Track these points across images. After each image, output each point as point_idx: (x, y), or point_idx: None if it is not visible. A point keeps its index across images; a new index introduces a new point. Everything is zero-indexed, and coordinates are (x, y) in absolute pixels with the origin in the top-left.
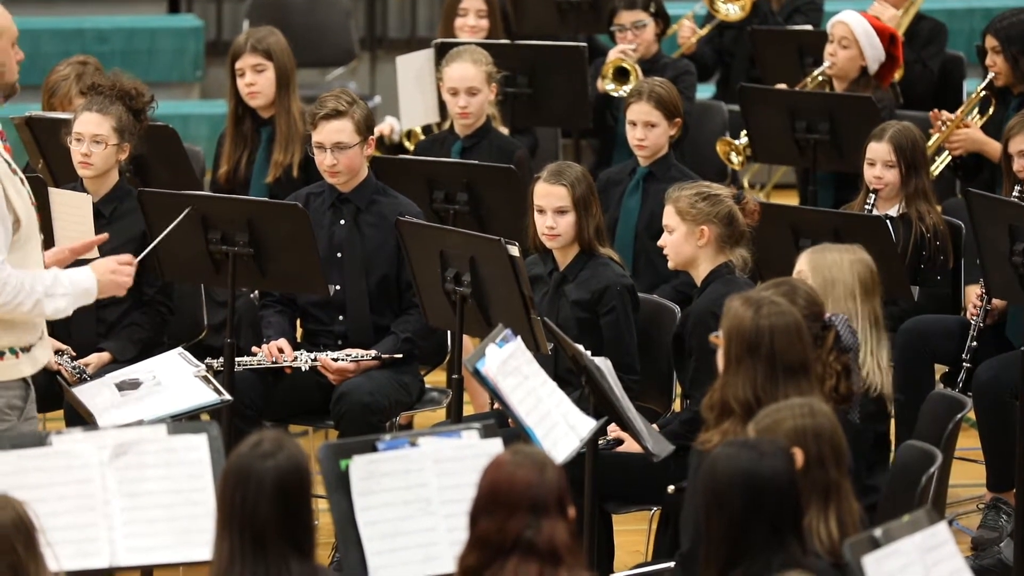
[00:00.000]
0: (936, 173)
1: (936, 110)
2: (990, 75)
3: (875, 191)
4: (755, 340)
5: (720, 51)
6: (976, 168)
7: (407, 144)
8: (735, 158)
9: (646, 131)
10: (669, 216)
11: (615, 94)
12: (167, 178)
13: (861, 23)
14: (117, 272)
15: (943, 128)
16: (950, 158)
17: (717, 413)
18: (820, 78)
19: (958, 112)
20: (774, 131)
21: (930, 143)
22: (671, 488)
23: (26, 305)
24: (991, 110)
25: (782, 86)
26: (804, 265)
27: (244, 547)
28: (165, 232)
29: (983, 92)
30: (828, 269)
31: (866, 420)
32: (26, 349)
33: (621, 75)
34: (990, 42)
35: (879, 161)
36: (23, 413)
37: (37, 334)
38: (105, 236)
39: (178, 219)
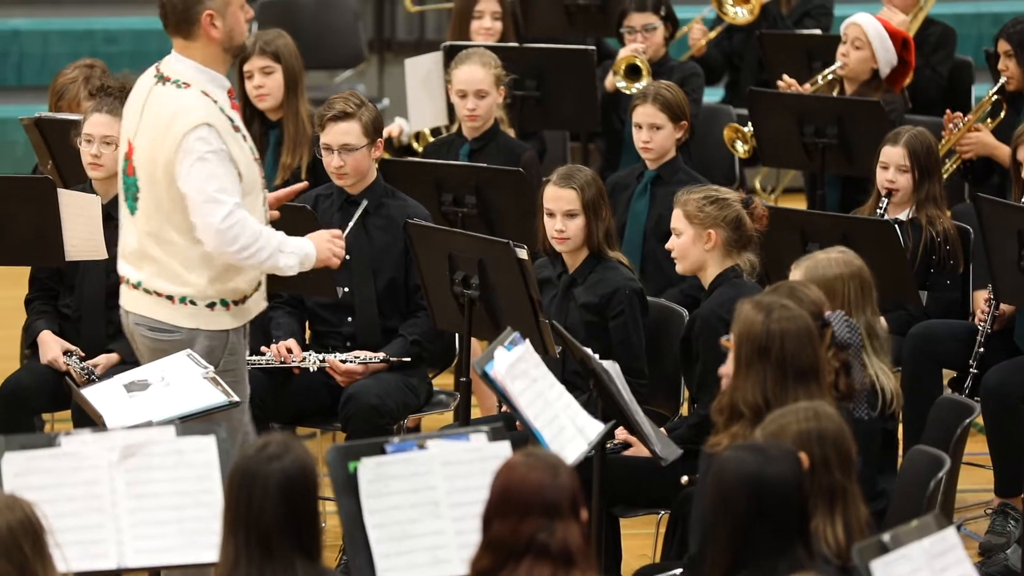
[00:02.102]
0: (945, 176)
1: (949, 111)
2: (1002, 79)
3: (888, 195)
4: (765, 344)
5: (728, 54)
6: (986, 173)
7: (415, 146)
8: (741, 146)
9: (651, 133)
10: (677, 219)
11: (626, 91)
12: None
13: (875, 25)
14: (332, 243)
15: (954, 130)
16: (960, 162)
17: (727, 416)
18: (830, 77)
19: (969, 116)
20: (782, 135)
21: (941, 144)
22: (685, 478)
23: (263, 253)
24: (1002, 114)
25: (788, 79)
26: (798, 272)
27: (250, 549)
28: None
29: (995, 96)
30: (824, 276)
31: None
32: (238, 302)
33: (633, 72)
34: (1003, 46)
35: (892, 165)
36: (220, 364)
37: (254, 284)
38: (305, 184)
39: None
